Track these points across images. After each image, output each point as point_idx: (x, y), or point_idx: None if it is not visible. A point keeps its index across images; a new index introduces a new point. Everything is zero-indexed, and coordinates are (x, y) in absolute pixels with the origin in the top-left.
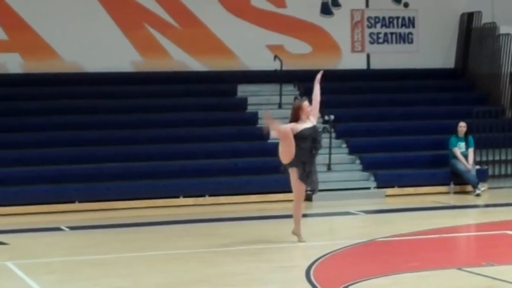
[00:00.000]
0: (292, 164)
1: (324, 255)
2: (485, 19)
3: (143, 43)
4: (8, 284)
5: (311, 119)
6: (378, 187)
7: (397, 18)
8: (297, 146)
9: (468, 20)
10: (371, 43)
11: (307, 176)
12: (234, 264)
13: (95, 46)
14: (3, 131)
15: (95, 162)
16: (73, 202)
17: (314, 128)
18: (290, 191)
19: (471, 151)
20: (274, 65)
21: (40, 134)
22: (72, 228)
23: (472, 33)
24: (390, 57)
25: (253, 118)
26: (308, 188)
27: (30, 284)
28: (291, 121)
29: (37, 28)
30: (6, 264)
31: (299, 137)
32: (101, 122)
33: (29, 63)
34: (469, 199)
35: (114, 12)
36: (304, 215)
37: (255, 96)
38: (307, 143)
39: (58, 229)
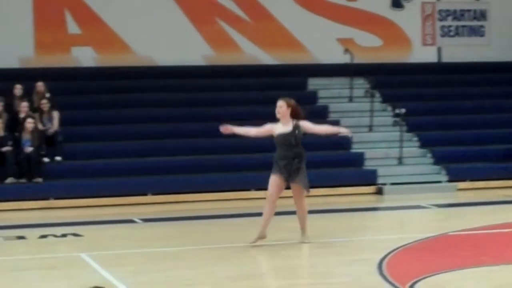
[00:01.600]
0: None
1: (395, 249)
2: None
3: (214, 37)
4: (83, 275)
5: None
6: (450, 180)
7: (469, 11)
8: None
9: None
10: (442, 36)
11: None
12: (303, 258)
13: (167, 40)
14: (76, 124)
15: (167, 155)
16: (145, 194)
17: (290, 134)
18: (360, 184)
19: None
20: (344, 59)
21: (113, 127)
22: (145, 220)
23: None
24: (461, 50)
25: (324, 111)
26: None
27: (104, 275)
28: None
29: (110, 22)
30: (81, 256)
31: (275, 141)
32: (172, 116)
33: (102, 56)
34: None
35: (186, 7)
36: (375, 209)
37: (326, 90)
38: (283, 146)
39: (131, 221)
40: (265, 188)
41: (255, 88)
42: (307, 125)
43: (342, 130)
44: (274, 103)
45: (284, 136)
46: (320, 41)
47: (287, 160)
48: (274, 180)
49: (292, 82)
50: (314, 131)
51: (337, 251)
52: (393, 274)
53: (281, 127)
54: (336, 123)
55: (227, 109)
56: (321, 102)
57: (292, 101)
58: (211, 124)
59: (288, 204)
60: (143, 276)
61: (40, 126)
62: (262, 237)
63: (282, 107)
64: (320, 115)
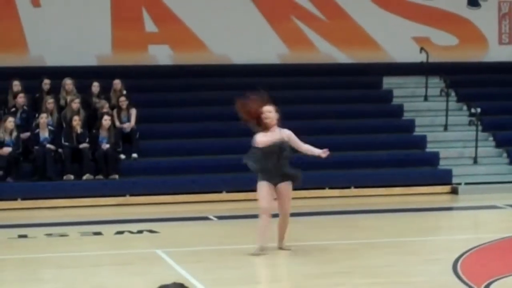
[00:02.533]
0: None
1: (470, 249)
2: None
3: (289, 35)
4: (158, 272)
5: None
6: None
7: None
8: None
9: None
10: None
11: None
12: (379, 257)
13: (243, 39)
14: (152, 122)
15: (242, 152)
16: (220, 192)
17: (279, 145)
18: (435, 183)
19: None
20: (420, 57)
21: (188, 125)
22: (219, 217)
23: None
24: None
25: (399, 110)
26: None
27: (180, 272)
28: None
29: (186, 20)
30: (156, 252)
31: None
32: None
33: (178, 55)
34: None
35: (262, 5)
36: (450, 208)
37: (400, 89)
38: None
39: (206, 218)
40: (341, 187)
41: (330, 87)
42: (293, 138)
43: (321, 153)
44: (348, 102)
45: (277, 145)
46: (396, 39)
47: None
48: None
49: (367, 81)
50: (299, 147)
51: (412, 250)
52: (468, 274)
53: (268, 135)
54: (411, 122)
55: (302, 107)
56: (395, 101)
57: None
58: (286, 122)
59: (368, 202)
60: (217, 273)
61: (117, 124)
62: (264, 248)
63: (271, 112)
64: (394, 114)
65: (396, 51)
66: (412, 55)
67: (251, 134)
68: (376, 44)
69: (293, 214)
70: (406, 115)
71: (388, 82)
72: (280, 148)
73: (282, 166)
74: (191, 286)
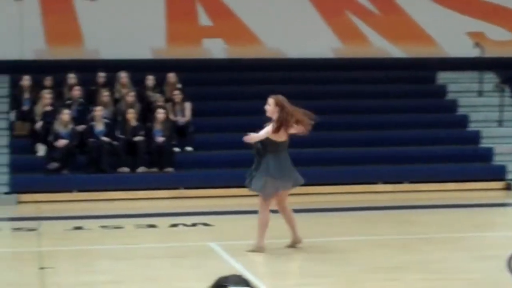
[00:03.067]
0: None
1: None
2: None
3: (343, 29)
4: (212, 265)
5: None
6: None
7: None
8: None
9: None
10: None
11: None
12: (432, 252)
13: (297, 33)
14: (206, 115)
15: (298, 146)
16: None
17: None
18: (489, 179)
19: None
20: (474, 52)
21: (242, 118)
22: (274, 211)
23: None
24: None
25: (453, 105)
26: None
27: (233, 265)
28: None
29: (240, 14)
30: (210, 245)
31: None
32: (301, 107)
33: (232, 48)
34: None
35: None
36: (504, 204)
37: (455, 84)
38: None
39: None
40: (395, 182)
41: (384, 82)
42: None
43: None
44: (402, 97)
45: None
46: (450, 34)
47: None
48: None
49: (421, 75)
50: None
51: (465, 246)
52: None
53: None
54: (465, 117)
55: (355, 101)
56: (450, 96)
57: (280, 99)
58: (340, 116)
59: (421, 197)
60: (272, 266)
61: (171, 117)
62: (299, 241)
63: (270, 105)
64: (448, 109)
65: (451, 45)
66: (466, 50)
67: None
68: (430, 39)
69: (347, 209)
70: (460, 110)
71: (442, 77)
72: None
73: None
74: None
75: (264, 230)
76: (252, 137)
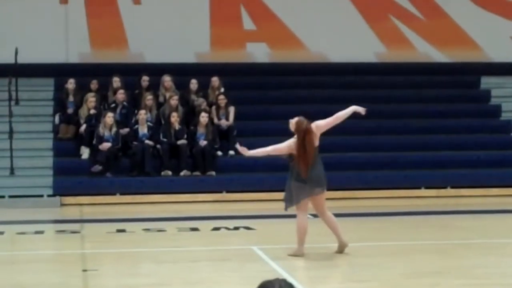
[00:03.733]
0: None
1: None
2: None
3: (387, 34)
4: (254, 268)
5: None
6: None
7: None
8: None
9: None
10: None
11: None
12: (475, 258)
13: (340, 37)
14: (249, 119)
15: (344, 150)
16: None
17: None
18: None
19: None
20: None
21: (285, 122)
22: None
23: None
24: None
25: (497, 110)
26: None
27: (276, 269)
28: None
29: (284, 18)
30: (252, 249)
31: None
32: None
33: (275, 52)
34: None
35: (359, 4)
36: None
37: (499, 89)
38: None
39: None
40: (438, 187)
41: (427, 86)
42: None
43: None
44: (446, 101)
45: None
46: (494, 39)
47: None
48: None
49: (465, 80)
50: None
51: (508, 252)
52: None
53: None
54: (508, 122)
55: (399, 106)
56: (494, 101)
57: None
58: (383, 121)
59: (464, 203)
60: (314, 270)
61: (215, 120)
62: (345, 245)
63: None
64: (492, 114)
65: (495, 50)
66: (511, 54)
67: (345, 133)
68: (474, 44)
69: (389, 214)
70: (504, 116)
71: (486, 82)
72: None
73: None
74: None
75: (300, 235)
76: (249, 152)
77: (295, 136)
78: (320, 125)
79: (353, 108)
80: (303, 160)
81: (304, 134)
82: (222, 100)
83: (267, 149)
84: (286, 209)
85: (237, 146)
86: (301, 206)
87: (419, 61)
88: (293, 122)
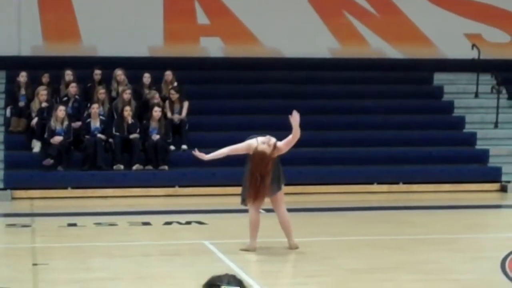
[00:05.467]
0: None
1: None
2: None
3: (341, 30)
4: (206, 263)
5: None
6: None
7: None
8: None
9: None
10: None
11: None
12: (426, 253)
13: (294, 32)
14: (203, 114)
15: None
16: None
17: None
18: (484, 181)
19: None
20: (471, 54)
21: (239, 117)
22: (268, 210)
23: None
24: None
25: (449, 106)
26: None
27: (227, 264)
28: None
29: (238, 13)
30: (204, 243)
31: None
32: (298, 107)
33: (229, 47)
34: None
35: None
36: (499, 206)
37: (451, 85)
38: None
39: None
40: (390, 182)
41: (381, 82)
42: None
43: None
44: (399, 97)
45: None
46: (447, 36)
47: None
48: None
49: (418, 76)
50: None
51: (459, 247)
52: None
53: None
54: (461, 119)
55: (352, 102)
56: (446, 97)
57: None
58: (336, 116)
59: (416, 198)
60: (265, 265)
61: (168, 115)
62: (294, 247)
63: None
64: (445, 111)
65: (448, 47)
66: (463, 51)
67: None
68: (427, 40)
69: (341, 209)
70: (457, 112)
71: (439, 78)
72: None
73: None
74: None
75: (252, 230)
76: (206, 157)
77: (259, 141)
78: (281, 149)
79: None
80: (260, 173)
81: (267, 160)
82: (174, 94)
83: (224, 151)
84: (242, 204)
85: (194, 152)
86: (255, 202)
87: (372, 57)
88: (271, 144)
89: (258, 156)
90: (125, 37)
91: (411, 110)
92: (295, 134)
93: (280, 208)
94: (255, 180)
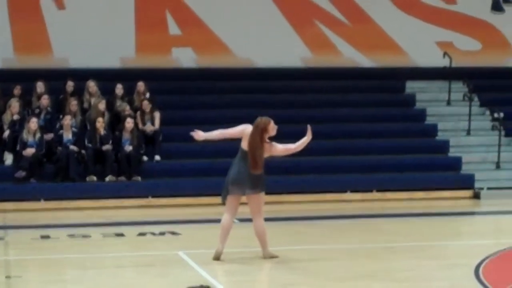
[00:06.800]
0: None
1: (491, 254)
2: None
3: (313, 39)
4: (181, 273)
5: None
6: None
7: None
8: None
9: None
10: None
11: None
12: (400, 261)
13: (266, 42)
14: (175, 124)
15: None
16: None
17: None
18: (457, 188)
19: None
20: (443, 62)
21: (212, 127)
22: (241, 220)
23: None
24: None
25: (421, 114)
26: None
27: (201, 274)
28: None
29: (210, 24)
30: (178, 254)
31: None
32: (270, 117)
33: (201, 57)
34: None
35: (285, 9)
36: (472, 213)
37: (424, 93)
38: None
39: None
40: (363, 190)
41: (353, 91)
42: None
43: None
44: (371, 106)
45: None
46: (419, 44)
47: None
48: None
49: (390, 85)
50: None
51: (433, 255)
52: (490, 280)
53: None
54: (433, 126)
55: (325, 110)
56: (418, 105)
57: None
58: (310, 125)
59: (389, 206)
60: (240, 275)
61: (140, 126)
62: (269, 256)
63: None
64: (417, 119)
65: (419, 55)
66: (435, 59)
67: (273, 138)
68: (399, 49)
69: (315, 218)
70: (429, 120)
71: (411, 86)
72: None
73: None
74: None
75: (222, 234)
76: (202, 135)
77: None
78: (277, 149)
79: (306, 139)
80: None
81: (262, 132)
82: (147, 105)
83: (216, 132)
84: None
85: (192, 133)
86: (229, 204)
87: (345, 66)
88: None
89: (256, 131)
90: (96, 48)
91: (384, 118)
92: (298, 147)
93: (255, 215)
94: (253, 148)
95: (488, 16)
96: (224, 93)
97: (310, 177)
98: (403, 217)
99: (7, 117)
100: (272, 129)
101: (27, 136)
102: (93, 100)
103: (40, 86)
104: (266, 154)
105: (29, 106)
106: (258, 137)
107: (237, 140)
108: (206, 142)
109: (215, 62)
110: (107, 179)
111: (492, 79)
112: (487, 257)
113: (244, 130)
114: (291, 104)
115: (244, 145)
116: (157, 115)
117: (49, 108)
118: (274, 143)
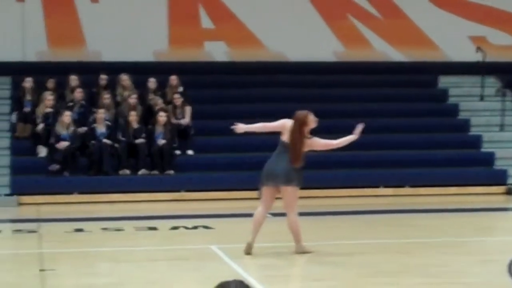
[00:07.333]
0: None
1: None
2: None
3: (346, 33)
4: (213, 267)
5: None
6: None
7: None
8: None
9: None
10: None
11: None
12: (434, 256)
13: (299, 36)
14: (208, 118)
15: None
16: None
17: None
18: (490, 184)
19: None
20: (476, 57)
21: (244, 121)
22: (275, 214)
23: None
24: None
25: (454, 109)
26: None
27: (234, 268)
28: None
29: (242, 17)
30: (211, 248)
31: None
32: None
33: (234, 51)
34: None
35: (318, 3)
36: (505, 209)
37: (456, 88)
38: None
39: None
40: (396, 186)
41: (385, 85)
42: None
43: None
44: (404, 100)
45: None
46: (452, 38)
47: None
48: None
49: (423, 79)
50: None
51: (466, 250)
52: None
53: None
54: (466, 121)
55: (357, 105)
56: (451, 100)
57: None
58: (341, 120)
59: (422, 202)
60: (272, 270)
61: (173, 120)
62: (302, 251)
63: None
64: (450, 114)
65: (452, 50)
66: (468, 54)
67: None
68: (432, 43)
69: (348, 213)
70: (462, 115)
71: (444, 81)
72: None
73: None
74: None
75: (254, 227)
76: (243, 127)
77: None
78: (318, 143)
79: (351, 138)
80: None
81: (301, 125)
82: (178, 99)
83: (258, 125)
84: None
85: (232, 126)
86: (263, 197)
87: (377, 60)
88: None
89: (296, 125)
90: (129, 42)
91: (416, 113)
92: (340, 143)
93: (288, 209)
94: (294, 141)
95: None
96: (256, 87)
97: (343, 172)
98: (436, 212)
99: (40, 110)
100: (312, 121)
101: (60, 130)
102: (126, 94)
103: (73, 80)
104: (306, 148)
105: (62, 100)
106: (298, 130)
107: (269, 135)
108: (239, 135)
109: (247, 56)
110: (140, 172)
111: None
112: None
113: (284, 124)
114: (323, 98)
115: (285, 138)
116: (187, 109)
117: (82, 102)
118: (315, 138)
